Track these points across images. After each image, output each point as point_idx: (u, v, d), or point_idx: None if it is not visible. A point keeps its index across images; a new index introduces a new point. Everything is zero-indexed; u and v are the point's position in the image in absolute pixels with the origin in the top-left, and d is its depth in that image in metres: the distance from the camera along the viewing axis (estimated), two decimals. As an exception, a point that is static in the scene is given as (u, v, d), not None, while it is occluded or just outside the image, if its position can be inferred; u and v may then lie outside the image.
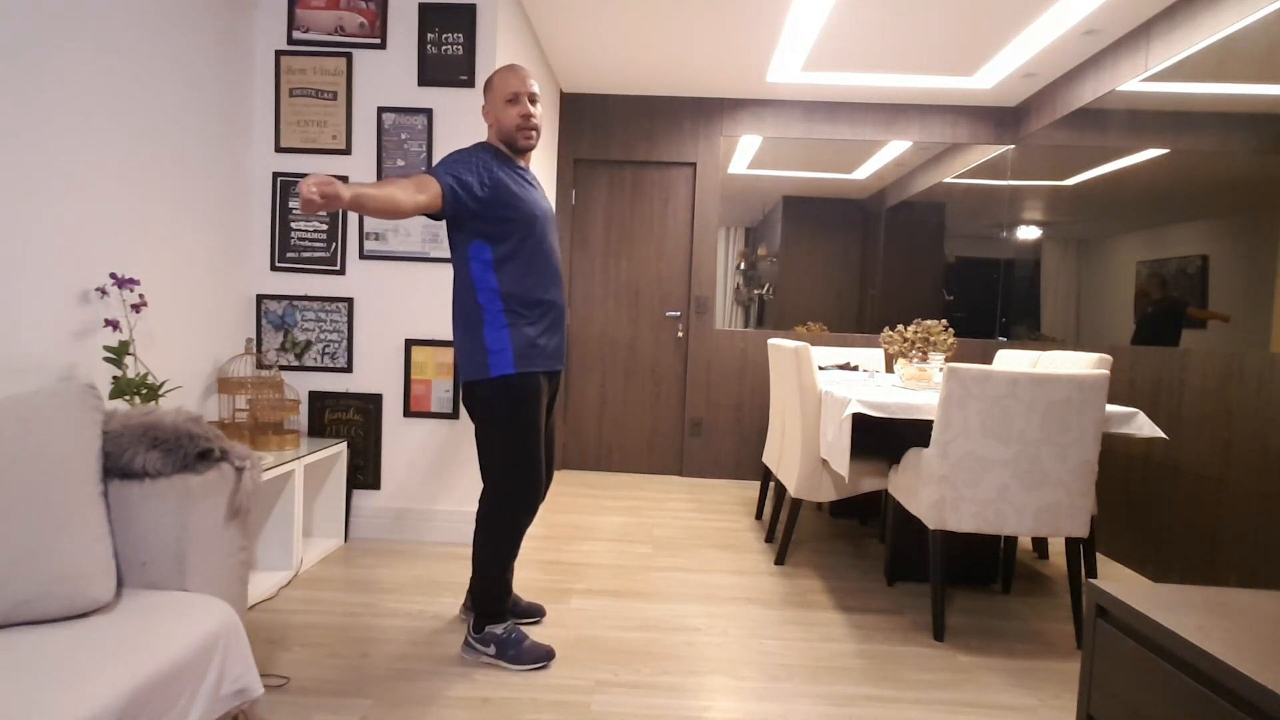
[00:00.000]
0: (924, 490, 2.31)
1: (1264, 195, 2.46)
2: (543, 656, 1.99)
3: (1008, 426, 2.19)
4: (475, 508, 3.00)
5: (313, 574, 2.61)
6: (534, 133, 1.97)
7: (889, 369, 4.10)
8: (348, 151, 2.92)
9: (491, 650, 1.98)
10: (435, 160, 2.91)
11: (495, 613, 2.01)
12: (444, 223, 2.56)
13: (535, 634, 2.18)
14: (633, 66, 3.99)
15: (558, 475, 4.44)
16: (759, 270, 4.52)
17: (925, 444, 2.55)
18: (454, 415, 2.97)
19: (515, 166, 1.98)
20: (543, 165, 3.92)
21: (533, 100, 1.96)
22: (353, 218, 2.95)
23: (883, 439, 2.93)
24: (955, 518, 2.25)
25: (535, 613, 2.27)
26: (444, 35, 2.88)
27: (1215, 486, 2.59)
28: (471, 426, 2.98)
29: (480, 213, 1.88)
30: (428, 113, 2.90)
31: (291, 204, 2.94)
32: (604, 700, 1.84)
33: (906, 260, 4.44)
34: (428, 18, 2.87)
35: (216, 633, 1.33)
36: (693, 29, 3.47)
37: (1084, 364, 2.70)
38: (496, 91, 1.95)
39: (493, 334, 1.92)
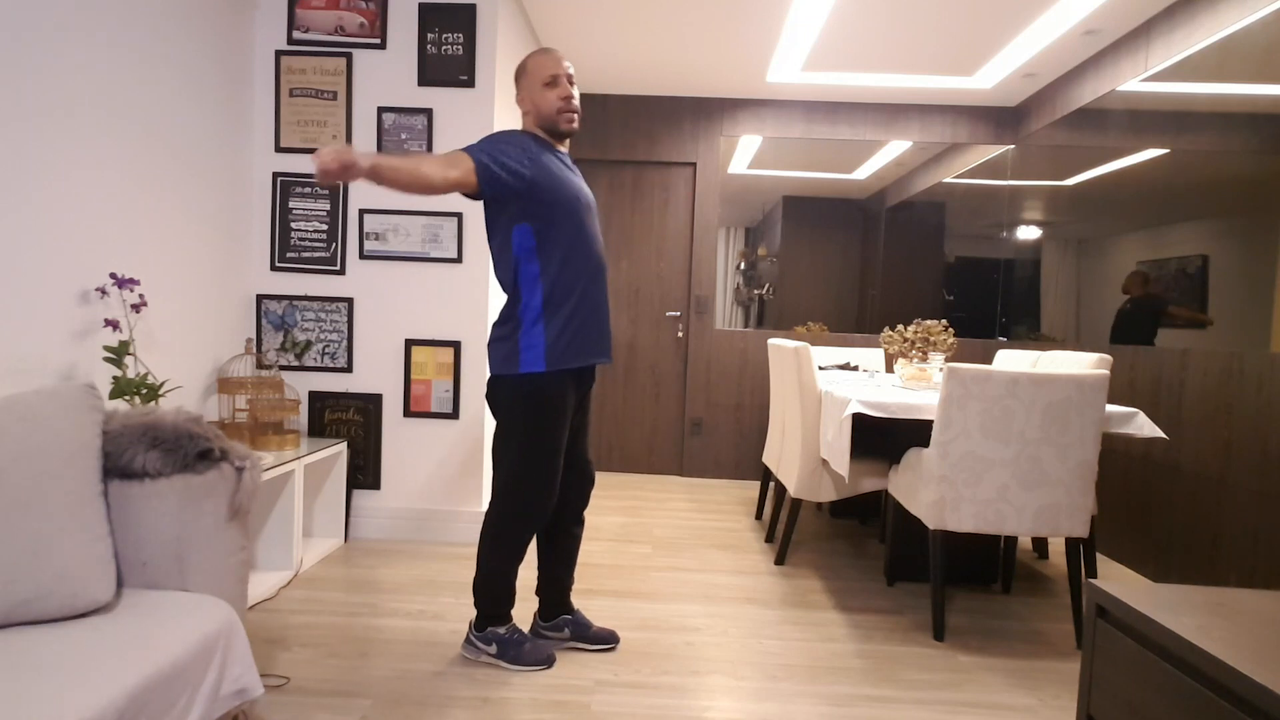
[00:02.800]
0: (924, 490, 2.31)
1: (1264, 195, 2.46)
2: (543, 659, 1.98)
3: (1008, 426, 2.19)
4: (475, 507, 3.01)
5: (313, 574, 2.61)
6: (575, 115, 1.90)
7: (889, 369, 4.10)
8: (348, 151, 2.92)
9: (493, 649, 1.98)
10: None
11: (498, 614, 2.00)
12: (481, 210, 2.58)
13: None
14: (633, 66, 3.99)
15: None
16: (759, 270, 4.52)
17: (925, 444, 2.55)
18: (454, 415, 2.97)
19: (557, 151, 1.92)
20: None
21: (571, 81, 1.89)
22: (353, 217, 2.95)
23: (883, 439, 2.93)
24: (955, 518, 2.25)
25: (609, 640, 2.12)
26: (444, 35, 2.88)
27: (1215, 486, 2.59)
28: (472, 426, 2.99)
29: (525, 193, 1.80)
30: (428, 113, 2.90)
31: (292, 203, 2.94)
32: (604, 700, 1.84)
33: (906, 260, 4.44)
34: (428, 18, 2.87)
35: (216, 633, 1.33)
36: (693, 29, 3.47)
37: (1084, 364, 2.70)
38: (532, 75, 1.88)
39: (527, 329, 1.85)
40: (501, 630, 1.99)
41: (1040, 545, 3.20)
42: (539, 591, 2.12)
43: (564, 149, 1.97)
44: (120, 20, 2.13)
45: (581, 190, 1.93)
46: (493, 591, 1.98)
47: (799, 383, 2.83)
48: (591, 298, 1.91)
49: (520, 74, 1.93)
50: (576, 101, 1.91)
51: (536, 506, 1.91)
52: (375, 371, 2.99)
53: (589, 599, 2.48)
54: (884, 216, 4.44)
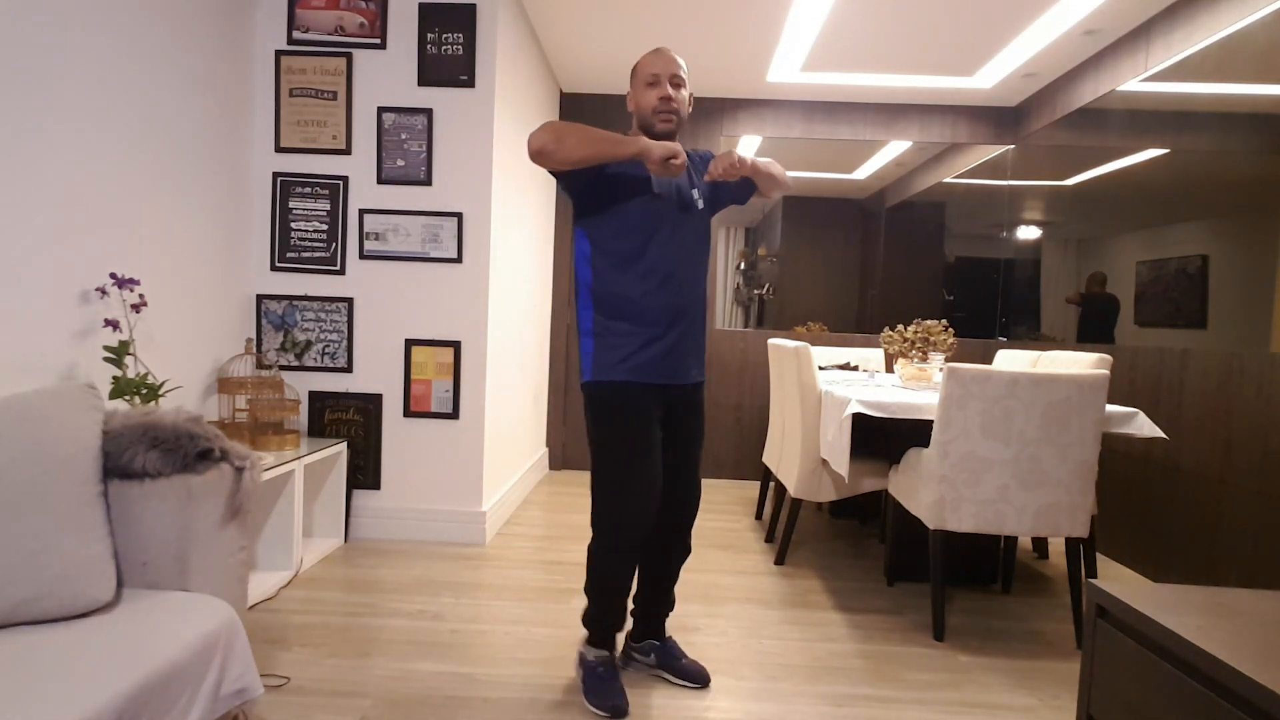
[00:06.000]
0: (924, 490, 2.31)
1: (1264, 195, 2.46)
2: (609, 708, 1.76)
3: (1008, 426, 2.19)
4: (474, 507, 3.01)
5: (313, 574, 2.61)
6: (673, 117, 1.78)
7: (889, 369, 4.10)
8: (348, 151, 2.92)
9: (581, 672, 1.88)
10: (435, 161, 2.92)
11: (595, 634, 1.87)
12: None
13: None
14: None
15: (559, 475, 4.44)
16: (759, 270, 4.52)
17: (925, 444, 2.55)
18: (454, 415, 2.97)
19: None
20: (543, 165, 3.91)
21: (675, 83, 1.79)
22: (353, 217, 2.95)
23: (883, 439, 2.93)
24: (955, 518, 2.25)
25: (697, 678, 1.93)
26: (444, 35, 2.88)
27: (1215, 486, 2.59)
28: (472, 426, 2.99)
29: (574, 185, 1.76)
30: (428, 113, 2.90)
31: (292, 203, 2.94)
32: (604, 700, 1.83)
33: (906, 260, 4.44)
34: (428, 18, 2.87)
35: (216, 633, 1.33)
36: (693, 29, 3.47)
37: (1084, 364, 2.70)
38: (638, 75, 1.82)
39: (584, 338, 1.81)
40: (591, 657, 1.87)
41: (1040, 545, 3.20)
42: (633, 611, 2.00)
43: None
44: (120, 20, 2.13)
45: (656, 197, 1.79)
46: (591, 609, 1.88)
47: (799, 383, 2.83)
48: (651, 314, 1.77)
49: (631, 75, 1.87)
50: (678, 104, 1.79)
51: (621, 520, 1.76)
52: (375, 371, 2.99)
53: (589, 599, 2.48)
54: (884, 216, 4.44)
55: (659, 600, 1.98)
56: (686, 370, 1.83)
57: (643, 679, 1.96)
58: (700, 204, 1.86)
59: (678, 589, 2.59)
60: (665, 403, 1.83)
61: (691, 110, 1.92)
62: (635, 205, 1.77)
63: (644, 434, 1.77)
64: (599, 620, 1.87)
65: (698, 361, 1.88)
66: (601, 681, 1.82)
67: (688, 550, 1.95)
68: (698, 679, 1.94)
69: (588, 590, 1.87)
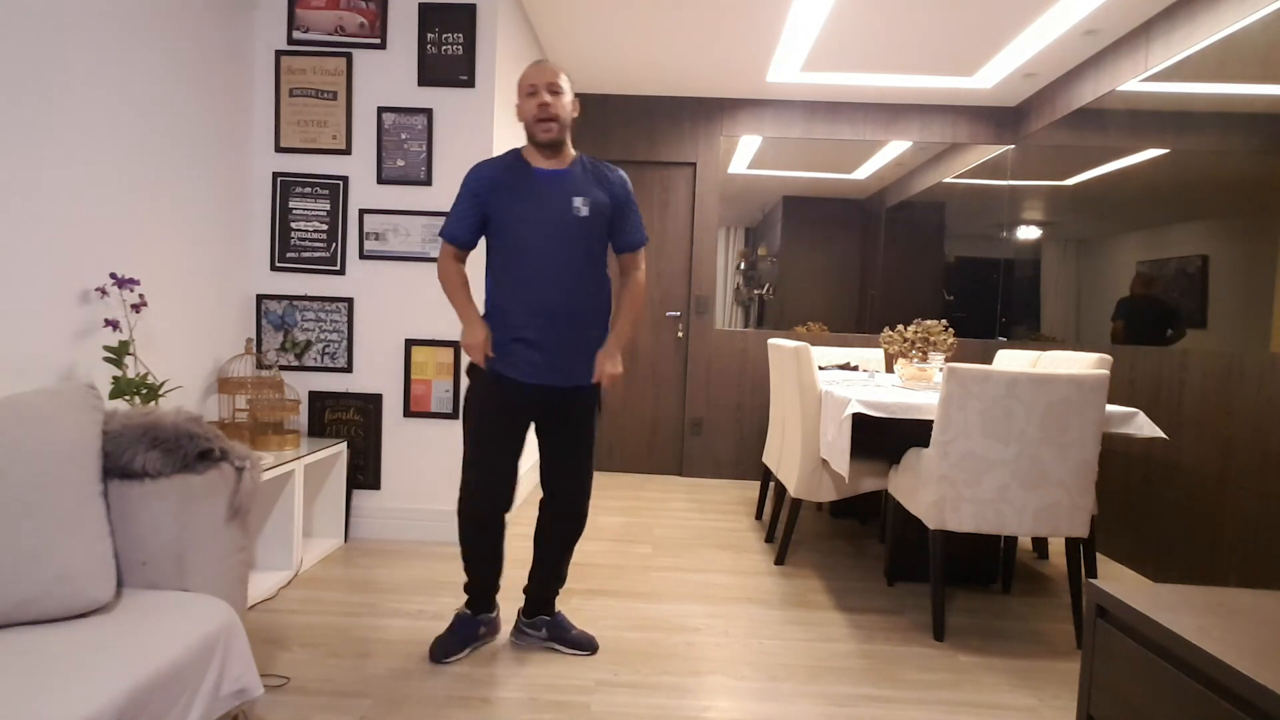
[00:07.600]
0: (924, 490, 2.31)
1: (1264, 195, 2.46)
2: (439, 654, 2.02)
3: (1008, 426, 2.19)
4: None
5: (313, 574, 2.61)
6: (552, 124, 1.89)
7: (889, 369, 4.10)
8: (348, 151, 2.92)
9: (455, 624, 2.09)
10: (435, 161, 2.92)
11: (469, 594, 2.09)
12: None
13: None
14: (633, 66, 3.99)
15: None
16: (759, 270, 4.52)
17: (925, 444, 2.55)
18: (454, 415, 2.97)
19: (524, 169, 1.93)
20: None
21: (553, 90, 1.90)
22: (353, 217, 2.95)
23: (883, 439, 2.93)
24: (955, 518, 2.25)
25: (585, 645, 2.10)
26: (444, 35, 2.88)
27: (1215, 486, 2.59)
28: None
29: (488, 220, 1.99)
30: (428, 113, 2.90)
31: (292, 203, 2.94)
32: (604, 700, 1.84)
33: (906, 260, 4.44)
34: (428, 18, 2.87)
35: (216, 633, 1.33)
36: (693, 29, 3.47)
37: (1084, 364, 2.70)
38: (520, 88, 1.94)
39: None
40: (464, 611, 2.10)
41: (1040, 545, 3.20)
42: (525, 589, 2.15)
43: (550, 160, 1.94)
44: (120, 20, 2.13)
45: (530, 211, 1.90)
46: (467, 573, 2.06)
47: (799, 383, 2.83)
48: (527, 317, 1.89)
49: (517, 86, 2.02)
50: (557, 110, 1.89)
51: (472, 498, 1.96)
52: (375, 371, 2.99)
53: (589, 599, 2.48)
54: (884, 216, 4.44)
55: (548, 579, 2.12)
56: (567, 372, 1.95)
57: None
58: (584, 212, 1.95)
59: (679, 588, 2.61)
60: (539, 402, 1.97)
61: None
62: (511, 219, 1.91)
63: (500, 423, 1.94)
64: (469, 577, 2.05)
65: (583, 364, 1.97)
66: (470, 628, 2.06)
67: (576, 533, 2.10)
68: (586, 647, 2.10)
69: (462, 557, 2.07)
